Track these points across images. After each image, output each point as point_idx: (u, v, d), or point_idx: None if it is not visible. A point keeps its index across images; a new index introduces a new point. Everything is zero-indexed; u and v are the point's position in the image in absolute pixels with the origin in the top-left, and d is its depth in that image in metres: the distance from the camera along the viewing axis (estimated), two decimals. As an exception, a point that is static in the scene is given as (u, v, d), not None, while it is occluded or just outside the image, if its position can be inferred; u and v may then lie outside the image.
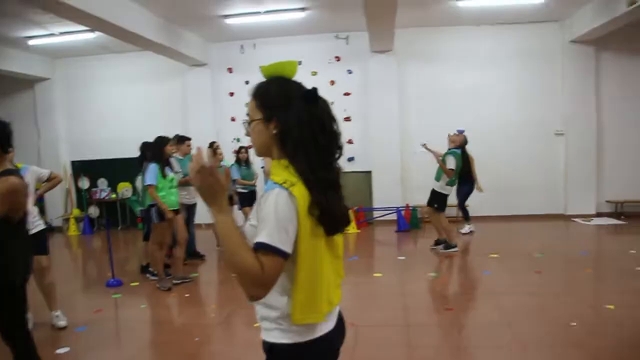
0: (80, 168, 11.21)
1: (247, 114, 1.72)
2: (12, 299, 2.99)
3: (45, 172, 5.10)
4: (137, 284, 6.41)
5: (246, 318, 5.05)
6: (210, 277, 6.87)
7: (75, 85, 11.33)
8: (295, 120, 1.60)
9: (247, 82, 10.40)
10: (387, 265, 6.97)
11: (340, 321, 1.82)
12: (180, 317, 5.21)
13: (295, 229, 1.52)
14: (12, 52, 10.07)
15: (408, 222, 9.46)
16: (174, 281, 6.23)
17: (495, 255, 6.99)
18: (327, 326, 1.69)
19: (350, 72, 10.21)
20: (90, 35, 9.17)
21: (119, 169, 10.95)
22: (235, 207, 8.26)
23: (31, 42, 9.49)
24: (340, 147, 1.71)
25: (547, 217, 9.98)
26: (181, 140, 7.18)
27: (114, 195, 11.14)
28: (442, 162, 7.36)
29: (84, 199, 11.12)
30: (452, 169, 7.32)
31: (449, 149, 7.59)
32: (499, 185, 9.93)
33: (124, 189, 10.98)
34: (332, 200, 1.60)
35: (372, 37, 8.88)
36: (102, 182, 11.28)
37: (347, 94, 10.22)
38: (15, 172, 3.00)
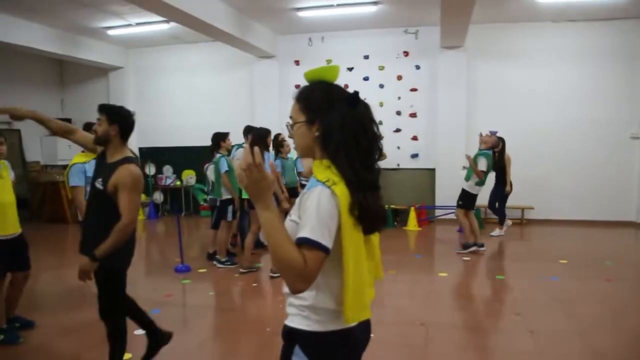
0: (148, 154, 11.56)
1: (291, 117, 1.78)
2: (120, 283, 3.22)
3: None
4: (204, 270, 6.55)
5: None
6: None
7: (146, 74, 11.69)
8: (337, 122, 1.64)
9: (313, 75, 10.46)
10: (451, 265, 6.84)
11: (369, 323, 1.84)
12: (250, 307, 5.28)
13: (337, 226, 1.57)
14: (90, 42, 10.50)
15: (471, 221, 9.25)
16: (241, 270, 6.34)
17: (564, 261, 6.75)
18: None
19: (418, 67, 10.06)
20: (165, 26, 9.42)
21: (184, 157, 11.25)
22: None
23: (110, 32, 9.85)
24: (380, 149, 1.74)
25: (617, 224, 9.54)
26: (251, 131, 7.26)
27: (178, 183, 11.44)
28: (473, 162, 7.30)
29: (149, 184, 11.46)
30: (483, 171, 7.26)
31: (480, 150, 7.48)
32: (568, 188, 9.59)
33: (188, 177, 11.25)
34: (372, 200, 1.64)
35: (444, 33, 8.70)
36: (168, 169, 11.61)
37: (413, 89, 10.08)
38: (135, 160, 3.14)
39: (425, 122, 10.03)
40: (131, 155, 3.20)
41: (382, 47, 10.08)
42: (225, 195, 6.55)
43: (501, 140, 8.36)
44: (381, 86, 10.15)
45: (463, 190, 7.43)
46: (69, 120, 11.72)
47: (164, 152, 11.58)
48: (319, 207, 1.55)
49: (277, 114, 10.28)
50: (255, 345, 4.29)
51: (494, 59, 9.81)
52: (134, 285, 5.70)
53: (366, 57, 10.20)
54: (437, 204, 10.02)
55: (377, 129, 1.74)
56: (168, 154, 11.55)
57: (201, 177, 10.98)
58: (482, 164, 7.27)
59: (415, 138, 9.92)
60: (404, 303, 5.36)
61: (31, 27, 9.03)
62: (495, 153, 8.33)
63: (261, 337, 4.44)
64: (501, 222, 8.76)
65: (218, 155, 6.58)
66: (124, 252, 3.15)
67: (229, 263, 6.67)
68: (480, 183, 7.38)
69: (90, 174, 4.77)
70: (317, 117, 1.68)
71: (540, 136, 9.65)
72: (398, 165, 10.06)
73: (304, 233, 1.53)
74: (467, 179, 7.41)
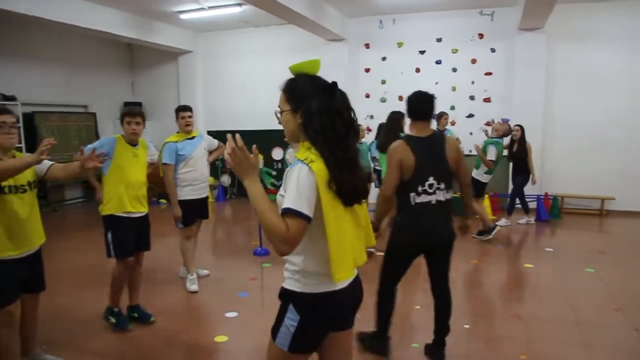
0: (215, 138, 11.64)
1: (279, 106, 2.05)
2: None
3: (215, 142, 5.43)
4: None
5: (415, 299, 4.97)
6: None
7: (215, 58, 11.77)
8: (316, 110, 1.91)
9: (383, 59, 10.26)
10: (535, 256, 6.59)
11: (357, 286, 2.13)
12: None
13: (315, 198, 1.84)
14: (162, 26, 10.63)
15: (548, 211, 8.91)
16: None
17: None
18: (337, 284, 1.97)
19: (493, 50, 9.69)
20: (237, 10, 9.41)
21: (251, 140, 11.18)
22: (372, 184, 8.19)
23: (182, 16, 9.92)
24: (356, 132, 2.01)
25: None
26: None
27: (244, 166, 11.51)
28: (482, 151, 7.13)
29: (218, 168, 11.59)
30: (492, 160, 7.10)
31: (491, 138, 7.25)
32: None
33: (255, 161, 11.30)
34: (347, 176, 1.89)
35: (527, 13, 8.31)
36: (235, 152, 11.68)
37: (488, 73, 9.74)
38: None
39: (499, 107, 9.67)
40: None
41: (455, 29, 9.76)
42: None
43: (520, 128, 8.07)
44: (454, 70, 9.86)
45: (472, 178, 7.12)
46: (139, 104, 12.01)
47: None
48: (298, 181, 1.82)
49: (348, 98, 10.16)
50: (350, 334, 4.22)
51: (576, 41, 9.32)
52: (220, 268, 5.82)
53: (439, 39, 9.91)
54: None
55: (353, 114, 2.02)
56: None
57: (269, 161, 11.04)
58: (492, 154, 7.13)
59: (488, 124, 9.58)
60: (492, 294, 5.19)
61: (105, 11, 9.19)
62: (515, 142, 8.01)
63: (357, 325, 4.37)
64: (510, 212, 8.42)
65: None
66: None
67: None
68: (490, 172, 7.28)
69: (183, 152, 4.92)
70: (300, 107, 1.95)
71: (624, 123, 9.16)
72: (470, 151, 9.77)
73: (286, 204, 1.81)
74: (477, 166, 7.32)
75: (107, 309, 4.27)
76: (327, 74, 8.11)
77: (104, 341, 4.06)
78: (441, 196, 3.35)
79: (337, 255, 1.89)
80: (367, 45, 10.37)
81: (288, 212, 1.80)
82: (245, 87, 11.52)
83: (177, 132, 5.17)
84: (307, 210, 1.81)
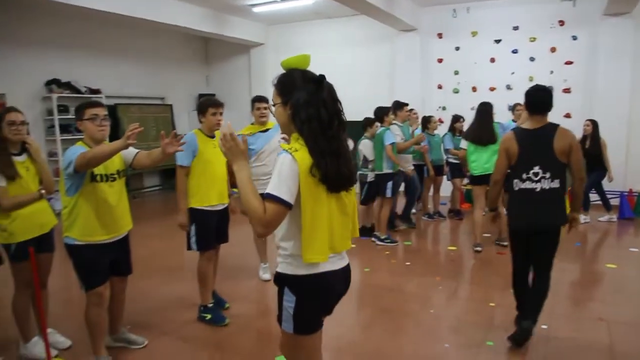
0: (286, 129, 11.84)
1: (272, 100, 2.18)
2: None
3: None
4: (353, 246, 6.53)
5: (475, 295, 4.88)
6: (423, 245, 6.77)
7: (286, 49, 11.83)
8: (303, 102, 2.02)
9: (457, 49, 10.01)
10: (618, 256, 6.24)
11: (347, 271, 2.26)
12: (408, 286, 5.18)
13: (297, 184, 1.96)
14: (234, 19, 10.86)
15: (632, 209, 8.42)
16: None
17: None
18: (325, 267, 2.10)
19: (574, 38, 9.22)
20: (309, 2, 9.47)
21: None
22: (445, 177, 8.05)
23: (255, 10, 10.09)
24: (342, 122, 2.11)
25: None
26: (399, 106, 7.09)
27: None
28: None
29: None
30: None
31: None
32: None
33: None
34: (331, 164, 2.00)
35: (614, -3, 7.85)
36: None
37: (568, 62, 9.28)
38: None
39: (580, 98, 9.21)
40: None
41: (534, 16, 9.36)
42: (386, 170, 6.46)
43: (592, 123, 7.59)
44: (532, 59, 9.47)
45: None
46: (212, 95, 12.34)
47: (301, 127, 11.77)
48: (281, 169, 1.96)
49: (419, 89, 9.98)
50: (422, 326, 4.19)
51: (668, 27, 8.72)
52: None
53: (516, 28, 9.54)
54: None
55: (340, 105, 2.11)
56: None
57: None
58: None
59: (568, 115, 9.15)
60: (572, 295, 4.98)
61: (182, 7, 9.49)
62: (586, 138, 7.52)
63: (426, 318, 4.34)
64: (586, 208, 7.94)
65: (382, 128, 6.47)
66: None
67: (388, 241, 6.64)
68: None
69: (253, 146, 4.95)
70: (289, 99, 2.06)
71: None
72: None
73: (268, 189, 1.95)
74: None
75: (200, 307, 4.33)
76: (399, 65, 8.18)
77: (182, 323, 4.23)
78: (546, 185, 3.56)
79: (309, 237, 2.02)
80: (439, 35, 10.15)
81: (268, 197, 1.95)
82: (316, 78, 11.57)
83: (252, 124, 5.19)
84: (287, 197, 1.94)
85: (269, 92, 9.10)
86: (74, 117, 8.69)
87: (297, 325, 2.12)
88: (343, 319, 4.40)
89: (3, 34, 8.54)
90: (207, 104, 4.20)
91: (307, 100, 2.02)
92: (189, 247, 4.21)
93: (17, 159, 3.37)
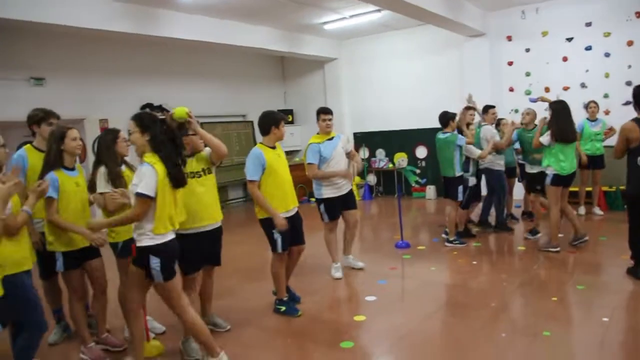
0: (361, 139, 12.24)
1: (129, 130, 3.36)
2: None
3: (350, 145, 5.91)
4: (423, 247, 6.83)
5: (538, 291, 5.00)
6: (492, 246, 6.90)
7: (358, 62, 12.34)
8: (158, 132, 3.31)
9: (527, 50, 9.99)
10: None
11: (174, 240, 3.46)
12: (472, 282, 5.39)
13: (156, 184, 3.18)
14: (309, 37, 11.46)
15: None
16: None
17: None
18: (169, 236, 3.35)
19: (653, 29, 8.94)
20: (376, 16, 9.84)
21: (396, 139, 11.67)
22: (516, 179, 8.02)
23: (326, 27, 10.63)
24: (179, 144, 3.47)
25: None
26: (485, 109, 7.34)
27: (390, 165, 11.89)
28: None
29: (364, 167, 12.14)
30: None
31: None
32: None
33: (400, 159, 11.62)
34: (174, 171, 3.31)
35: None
36: (380, 152, 12.13)
37: (647, 56, 9.01)
38: None
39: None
40: None
41: (607, 10, 9.16)
42: (458, 173, 6.64)
43: None
44: (607, 55, 9.26)
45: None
46: (290, 112, 13.03)
47: (376, 136, 12.14)
48: (145, 175, 3.18)
49: (489, 93, 10.01)
50: (483, 317, 4.41)
51: None
52: (363, 258, 6.27)
53: (588, 24, 9.38)
54: None
55: (179, 134, 3.56)
56: (380, 137, 12.07)
57: (413, 159, 11.31)
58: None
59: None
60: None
61: (258, 30, 10.20)
62: None
63: (486, 310, 4.54)
64: None
65: (448, 133, 6.58)
66: None
67: (457, 242, 6.84)
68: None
69: (324, 154, 5.42)
70: (146, 129, 3.29)
71: None
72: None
73: (136, 189, 3.17)
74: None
75: (275, 301, 4.80)
76: (468, 70, 8.49)
77: (260, 316, 4.73)
78: None
79: (160, 216, 3.25)
80: (509, 38, 10.16)
81: (137, 194, 3.17)
82: (387, 88, 11.90)
83: (318, 134, 5.63)
84: (150, 192, 3.17)
85: (344, 104, 9.78)
86: None
87: (166, 276, 3.30)
88: (405, 310, 4.74)
89: (104, 66, 9.64)
90: (280, 118, 4.63)
91: (161, 132, 3.30)
92: (275, 250, 4.60)
93: (69, 174, 3.87)
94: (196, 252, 3.94)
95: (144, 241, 3.26)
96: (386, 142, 11.98)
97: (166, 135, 3.31)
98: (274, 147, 4.64)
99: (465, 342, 3.92)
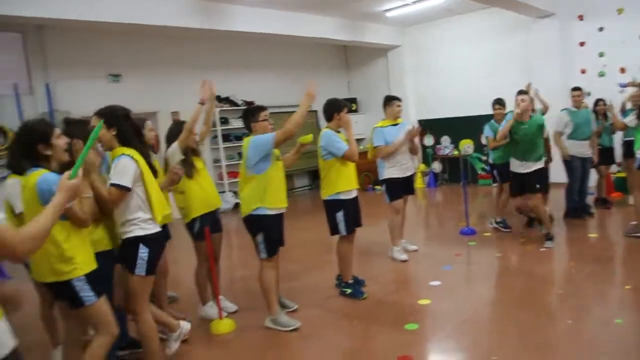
0: (426, 126, 12.13)
1: (93, 122, 3.31)
2: None
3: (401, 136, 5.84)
4: (489, 234, 6.76)
5: (610, 278, 4.88)
6: (561, 233, 6.71)
7: (422, 49, 12.22)
8: (126, 127, 3.29)
9: (600, 29, 9.57)
10: None
11: (165, 230, 3.74)
12: (539, 269, 5.30)
13: (136, 174, 3.16)
14: (371, 26, 11.47)
15: None
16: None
17: None
18: (158, 227, 3.34)
19: None
20: (439, 1, 9.73)
21: (461, 127, 11.51)
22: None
23: (388, 14, 10.60)
24: (142, 136, 3.65)
25: None
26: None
27: (456, 152, 11.73)
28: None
29: (429, 155, 12.06)
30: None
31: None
32: None
33: (466, 146, 11.41)
34: (149, 163, 3.34)
35: None
36: (445, 140, 11.99)
37: None
38: None
39: None
40: None
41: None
42: (499, 161, 6.70)
43: None
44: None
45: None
46: (354, 100, 13.09)
47: (441, 123, 12.01)
48: (124, 166, 3.12)
49: (559, 76, 9.70)
50: (545, 304, 4.39)
51: None
52: (428, 245, 6.32)
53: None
54: None
55: (142, 128, 3.85)
56: (446, 124, 11.94)
57: (479, 146, 11.13)
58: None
59: None
60: None
61: (322, 20, 10.32)
62: None
63: (551, 298, 4.50)
64: None
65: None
66: None
67: (501, 225, 6.81)
68: None
69: (388, 138, 5.56)
70: (112, 124, 3.21)
71: None
72: None
73: (111, 180, 3.11)
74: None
75: (342, 284, 4.93)
76: (537, 53, 8.29)
77: (327, 298, 4.89)
78: None
79: (155, 204, 3.25)
80: (580, 17, 9.74)
81: (112, 185, 3.09)
82: (452, 74, 11.73)
83: (383, 119, 5.85)
84: (126, 183, 3.09)
85: (408, 91, 9.77)
86: (233, 127, 9.85)
87: (149, 269, 3.24)
88: (469, 295, 4.77)
89: (176, 62, 10.14)
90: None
91: (128, 126, 3.27)
92: (337, 232, 4.77)
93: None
94: (281, 232, 4.27)
95: (135, 231, 3.20)
96: (451, 129, 11.82)
97: (133, 129, 3.31)
98: (339, 132, 4.84)
99: (529, 328, 3.90)
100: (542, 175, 6.07)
